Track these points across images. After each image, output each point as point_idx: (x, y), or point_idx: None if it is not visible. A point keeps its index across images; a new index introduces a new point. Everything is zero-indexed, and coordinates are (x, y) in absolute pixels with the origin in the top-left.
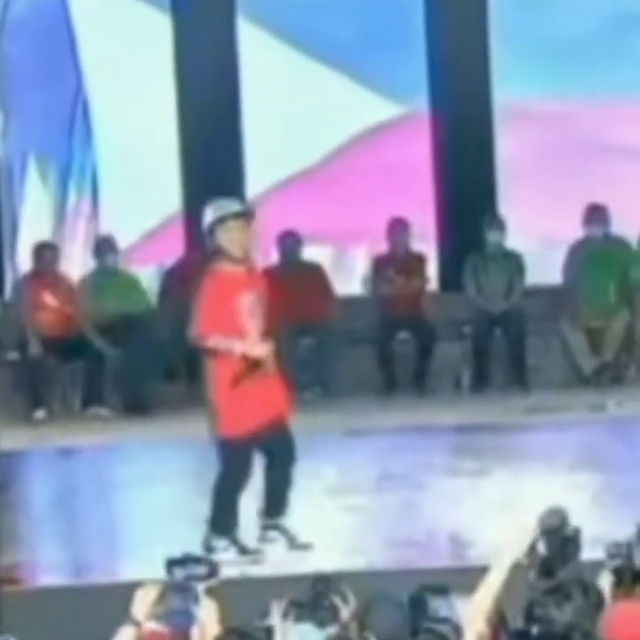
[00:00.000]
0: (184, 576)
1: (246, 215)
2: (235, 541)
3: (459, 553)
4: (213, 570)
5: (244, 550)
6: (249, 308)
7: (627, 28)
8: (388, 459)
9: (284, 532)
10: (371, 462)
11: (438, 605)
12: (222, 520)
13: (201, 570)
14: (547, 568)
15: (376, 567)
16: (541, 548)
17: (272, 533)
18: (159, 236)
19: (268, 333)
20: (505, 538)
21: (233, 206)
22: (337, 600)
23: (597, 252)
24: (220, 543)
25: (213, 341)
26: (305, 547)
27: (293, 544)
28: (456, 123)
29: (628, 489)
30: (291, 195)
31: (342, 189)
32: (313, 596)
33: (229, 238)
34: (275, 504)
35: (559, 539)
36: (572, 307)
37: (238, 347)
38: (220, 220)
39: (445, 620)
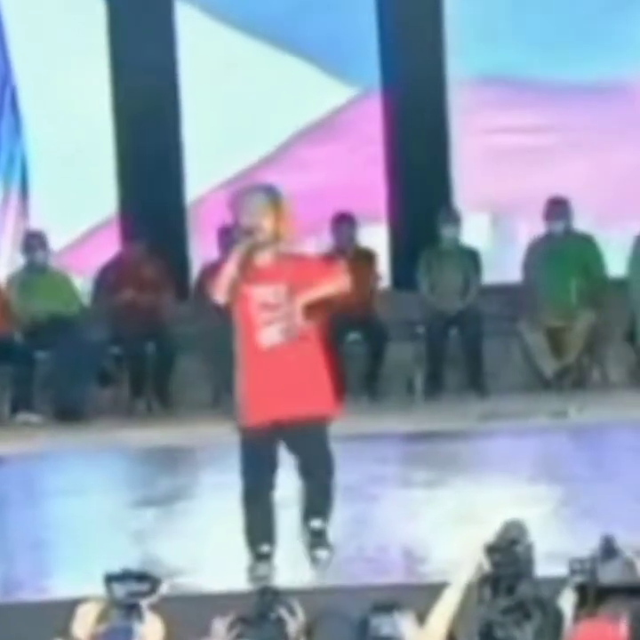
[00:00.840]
0: (125, 592)
1: (268, 195)
2: (260, 557)
3: (412, 568)
4: (155, 585)
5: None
6: (262, 300)
7: (585, 5)
8: (337, 467)
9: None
10: None
11: (380, 623)
12: (247, 532)
13: (142, 586)
14: (502, 585)
15: (325, 583)
16: (485, 564)
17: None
18: (93, 239)
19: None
20: (461, 553)
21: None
22: (284, 613)
23: (558, 248)
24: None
25: None
26: (315, 560)
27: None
28: (409, 106)
29: (592, 501)
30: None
31: (287, 182)
32: (258, 608)
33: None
34: (304, 508)
35: (511, 554)
36: (532, 306)
37: None
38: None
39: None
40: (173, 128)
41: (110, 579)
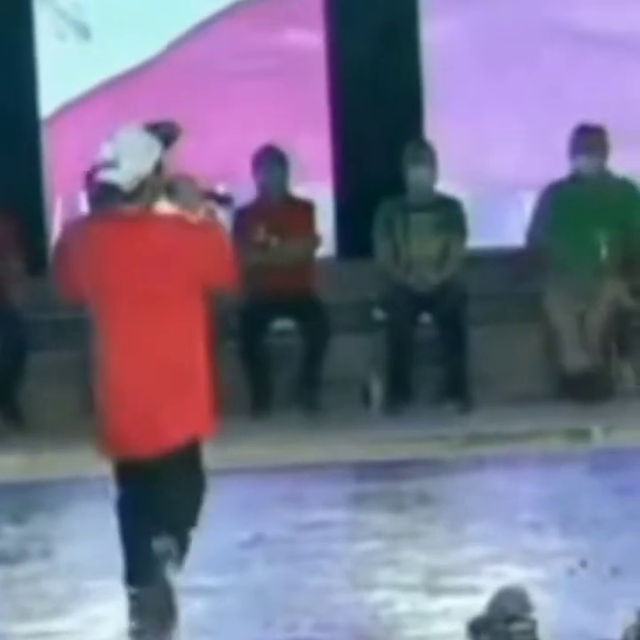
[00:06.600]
0: None
1: None
2: None
3: None
4: None
5: None
6: None
7: None
8: (260, 513)
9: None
10: (233, 519)
11: None
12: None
13: None
14: None
15: None
16: None
17: None
18: None
19: None
20: (437, 633)
21: None
22: None
23: (587, 198)
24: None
25: None
26: None
27: None
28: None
29: (623, 557)
30: (98, 109)
31: (178, 96)
32: None
33: None
34: None
35: (506, 635)
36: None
37: None
38: None
39: None
40: (23, 32)
41: None
